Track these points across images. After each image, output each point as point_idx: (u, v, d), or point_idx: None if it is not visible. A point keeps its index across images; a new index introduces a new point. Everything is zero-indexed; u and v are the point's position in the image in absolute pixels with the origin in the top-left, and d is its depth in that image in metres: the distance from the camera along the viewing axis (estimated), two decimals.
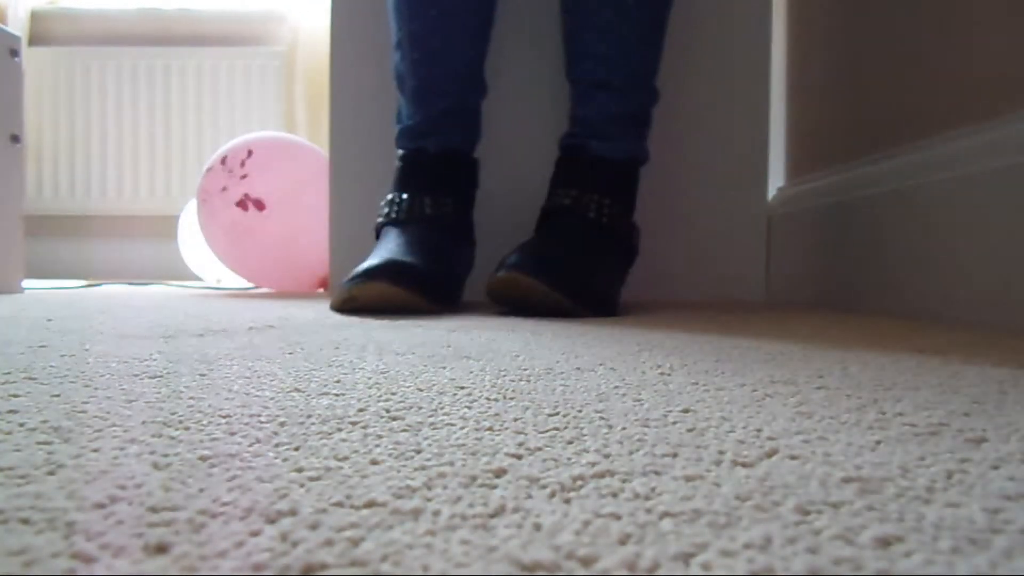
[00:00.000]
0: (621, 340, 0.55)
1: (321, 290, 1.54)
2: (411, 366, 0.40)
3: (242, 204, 1.42)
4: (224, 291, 1.48)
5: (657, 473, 0.20)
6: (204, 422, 0.26)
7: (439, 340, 0.53)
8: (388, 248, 0.86)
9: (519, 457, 0.22)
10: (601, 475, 0.20)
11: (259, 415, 0.27)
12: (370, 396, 0.31)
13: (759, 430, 0.26)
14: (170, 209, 2.27)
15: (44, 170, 2.31)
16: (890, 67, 0.93)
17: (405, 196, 0.92)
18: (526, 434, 0.25)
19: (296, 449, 0.22)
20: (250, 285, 1.66)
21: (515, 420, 0.27)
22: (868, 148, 0.98)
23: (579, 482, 0.19)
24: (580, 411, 0.29)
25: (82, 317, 0.71)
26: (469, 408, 0.29)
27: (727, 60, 1.17)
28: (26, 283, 1.49)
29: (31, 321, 0.66)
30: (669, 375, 0.38)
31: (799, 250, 1.12)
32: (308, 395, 0.31)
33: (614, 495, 0.18)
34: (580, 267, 0.81)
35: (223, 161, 1.46)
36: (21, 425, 0.25)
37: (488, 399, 0.31)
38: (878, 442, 0.24)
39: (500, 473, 0.20)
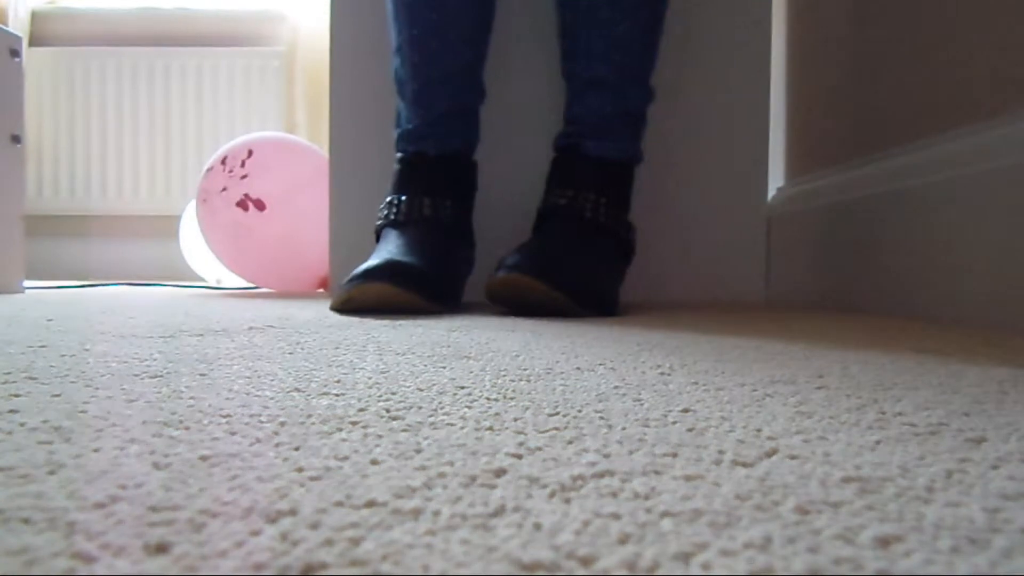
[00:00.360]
0: (621, 340, 0.55)
1: (321, 290, 1.54)
2: (411, 366, 0.40)
3: (242, 204, 1.42)
4: (224, 291, 1.48)
5: (657, 473, 0.20)
6: (204, 422, 0.26)
7: (439, 340, 0.53)
8: (388, 249, 0.86)
9: (519, 457, 0.22)
10: (601, 475, 0.20)
11: (259, 415, 0.27)
12: (370, 396, 0.31)
13: (759, 430, 0.26)
14: (170, 209, 2.27)
15: (44, 170, 2.31)
16: (890, 67, 0.93)
17: (404, 198, 0.92)
18: (526, 434, 0.25)
19: (296, 449, 0.22)
20: (250, 285, 1.66)
21: (515, 420, 0.27)
22: (868, 148, 0.98)
23: (579, 482, 0.19)
24: (580, 411, 0.29)
25: (82, 317, 0.71)
26: (469, 408, 0.29)
27: (727, 60, 1.17)
28: (26, 283, 1.49)
29: (31, 321, 0.66)
30: (669, 375, 0.38)
31: (799, 250, 1.12)
32: (308, 395, 0.31)
33: (614, 495, 0.18)
34: (579, 266, 0.81)
35: (223, 161, 1.46)
36: (22, 425, 0.25)
37: (488, 399, 0.31)
38: (878, 442, 0.24)
39: (500, 473, 0.20)
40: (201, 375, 0.36)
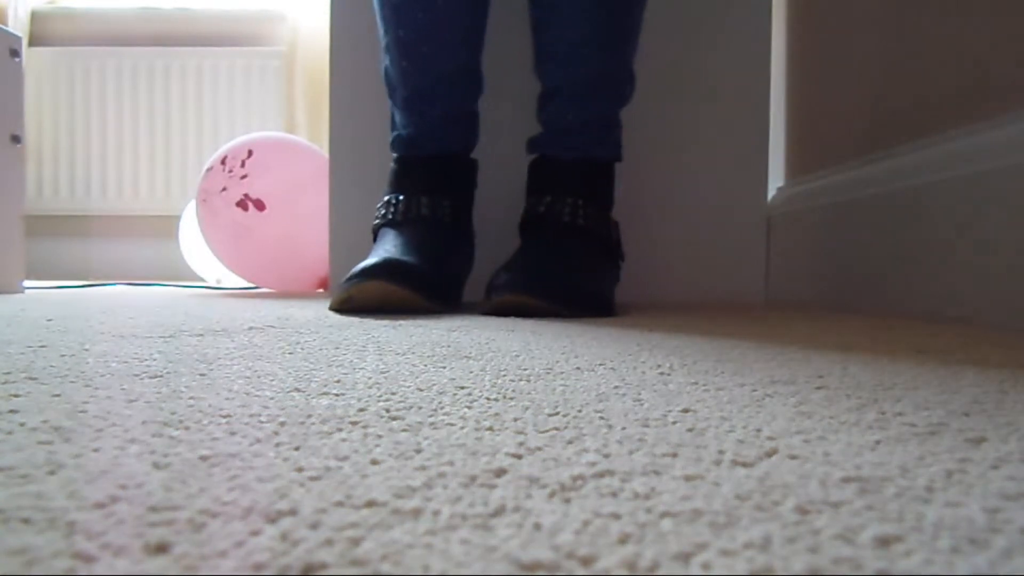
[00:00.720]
0: (621, 340, 0.55)
1: (321, 290, 1.54)
2: (411, 366, 0.40)
3: (242, 204, 1.42)
4: (224, 291, 1.48)
5: (657, 473, 0.20)
6: (204, 422, 0.26)
7: (439, 340, 0.53)
8: (385, 248, 0.86)
9: (519, 457, 0.22)
10: (601, 475, 0.20)
11: (259, 415, 0.27)
12: (370, 396, 0.31)
13: (759, 430, 0.26)
14: (170, 209, 2.28)
15: (44, 170, 2.31)
16: (890, 67, 0.93)
17: (401, 197, 0.91)
18: (526, 434, 0.25)
19: (296, 449, 0.22)
20: (250, 285, 1.66)
21: (515, 420, 0.27)
22: (868, 148, 0.98)
23: (579, 482, 0.19)
24: (580, 411, 0.29)
25: (82, 317, 0.71)
26: (469, 408, 0.29)
27: (727, 60, 1.17)
28: (26, 283, 1.49)
29: (31, 321, 0.66)
30: (669, 375, 0.38)
31: (799, 250, 1.12)
32: (308, 395, 0.31)
33: (614, 495, 0.18)
34: (568, 274, 0.81)
35: (223, 161, 1.47)
36: (22, 425, 0.25)
37: (488, 399, 0.31)
38: (878, 442, 0.24)
39: (500, 473, 0.20)
40: (201, 375, 0.36)
